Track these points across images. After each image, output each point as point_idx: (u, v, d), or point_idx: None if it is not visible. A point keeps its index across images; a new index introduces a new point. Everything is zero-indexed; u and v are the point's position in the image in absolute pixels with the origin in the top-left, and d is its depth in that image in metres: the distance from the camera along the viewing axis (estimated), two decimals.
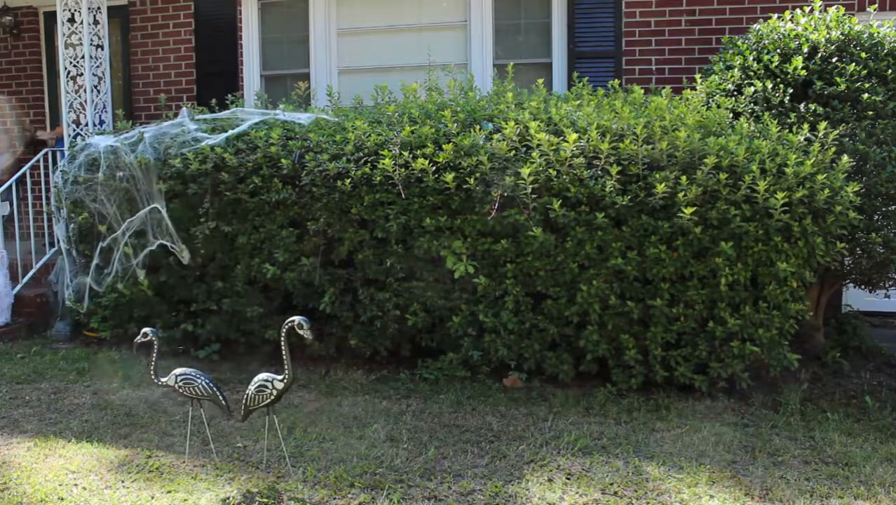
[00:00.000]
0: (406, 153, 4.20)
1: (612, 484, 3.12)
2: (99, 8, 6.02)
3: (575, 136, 4.00)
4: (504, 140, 4.14)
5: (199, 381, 3.34)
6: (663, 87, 5.05)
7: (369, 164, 4.30)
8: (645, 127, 4.08)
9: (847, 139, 4.23)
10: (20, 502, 3.03)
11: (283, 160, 4.46)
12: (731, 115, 4.48)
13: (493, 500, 3.00)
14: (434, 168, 4.15)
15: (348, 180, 4.26)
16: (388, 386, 4.39)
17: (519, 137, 4.18)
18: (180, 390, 3.36)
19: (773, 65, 4.46)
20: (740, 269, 3.95)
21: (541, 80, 5.11)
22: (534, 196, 3.99)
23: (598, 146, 3.99)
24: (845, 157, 3.97)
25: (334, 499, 3.02)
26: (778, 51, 4.52)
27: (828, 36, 4.44)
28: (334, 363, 4.74)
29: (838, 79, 4.28)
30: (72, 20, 5.88)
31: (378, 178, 4.24)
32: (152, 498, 3.05)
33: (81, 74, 5.92)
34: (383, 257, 4.38)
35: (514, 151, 4.14)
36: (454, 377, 4.39)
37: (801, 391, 4.19)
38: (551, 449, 3.48)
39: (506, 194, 4.02)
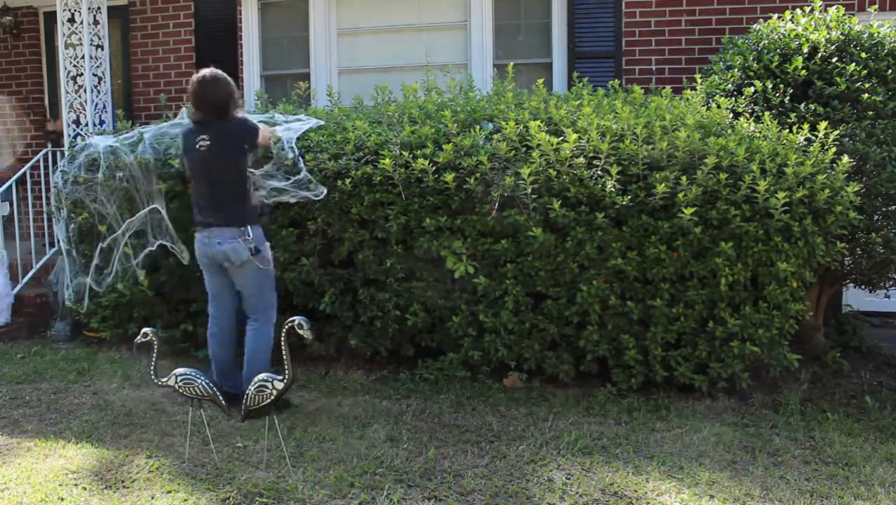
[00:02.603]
0: (406, 153, 4.21)
1: (612, 484, 3.12)
2: (99, 8, 6.02)
3: (575, 136, 4.00)
4: (504, 140, 4.14)
5: (199, 381, 3.34)
6: (663, 87, 5.04)
7: (369, 164, 4.30)
8: (645, 127, 4.08)
9: (847, 139, 4.23)
10: (20, 502, 3.04)
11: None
12: (731, 115, 4.48)
13: (493, 500, 3.00)
14: (434, 168, 4.15)
15: (348, 180, 4.26)
16: (388, 386, 4.39)
17: (519, 137, 4.18)
18: (180, 390, 3.36)
19: (774, 65, 4.46)
20: (740, 269, 3.95)
21: (541, 80, 5.11)
22: (534, 196, 3.99)
23: (598, 146, 3.99)
24: (845, 158, 3.97)
25: (334, 499, 3.02)
26: (778, 51, 4.52)
27: (828, 36, 4.44)
28: (334, 363, 4.74)
29: (838, 79, 4.28)
30: (72, 20, 5.88)
31: (378, 178, 4.24)
32: (152, 498, 3.05)
33: (81, 74, 5.92)
34: (383, 257, 4.38)
35: (514, 151, 4.14)
36: (454, 377, 4.39)
37: (801, 391, 4.19)
38: (551, 449, 3.48)
39: (506, 194, 4.02)
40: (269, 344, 3.99)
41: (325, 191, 4.24)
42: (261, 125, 4.17)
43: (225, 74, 4.00)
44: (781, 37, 4.58)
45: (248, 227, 3.88)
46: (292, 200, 4.32)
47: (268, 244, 4.01)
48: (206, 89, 3.88)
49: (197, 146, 3.88)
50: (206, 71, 3.98)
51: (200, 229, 3.98)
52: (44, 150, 6.45)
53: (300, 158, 4.38)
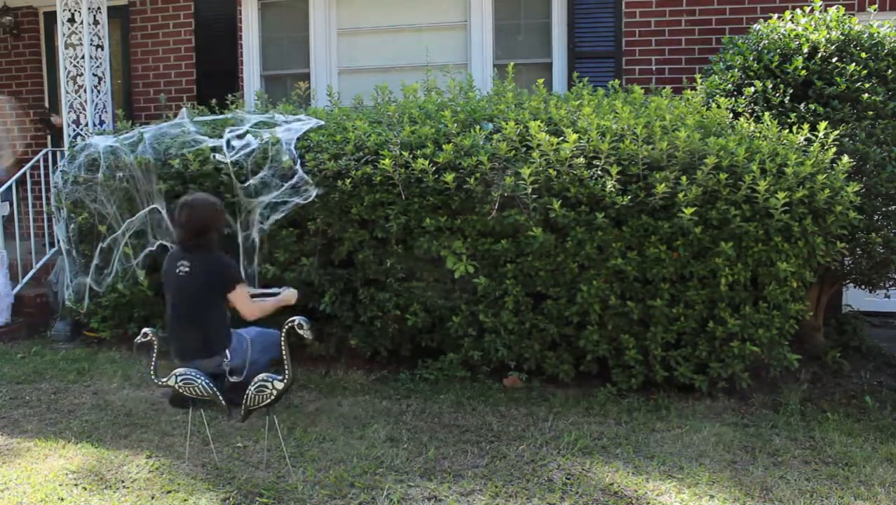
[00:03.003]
0: (406, 153, 4.21)
1: (612, 484, 3.12)
2: (99, 8, 6.02)
3: (575, 136, 4.00)
4: (504, 140, 4.14)
5: (199, 381, 3.34)
6: (663, 87, 5.04)
7: (369, 164, 4.30)
8: (645, 127, 4.08)
9: (847, 139, 4.23)
10: (20, 502, 3.04)
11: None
12: (731, 115, 4.48)
13: (493, 500, 3.00)
14: (434, 168, 4.15)
15: (348, 180, 4.26)
16: (388, 386, 4.39)
17: (519, 137, 4.18)
18: (180, 390, 3.36)
19: (774, 65, 4.46)
20: (740, 269, 3.95)
21: (541, 80, 5.11)
22: (534, 196, 3.99)
23: (598, 146, 3.99)
24: (845, 158, 3.97)
25: (334, 499, 3.02)
26: (778, 51, 4.52)
27: (828, 36, 4.44)
28: (334, 363, 4.74)
29: (838, 79, 4.28)
30: (72, 20, 5.89)
31: (378, 178, 4.24)
32: (152, 498, 3.05)
33: (81, 74, 5.92)
34: (383, 257, 4.38)
35: (514, 151, 4.14)
36: (454, 377, 4.39)
37: (801, 391, 4.19)
38: (551, 449, 3.48)
39: (506, 194, 4.02)
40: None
41: (314, 193, 4.22)
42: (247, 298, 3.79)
43: (209, 199, 3.81)
44: (781, 37, 4.58)
45: (226, 350, 3.68)
46: (280, 216, 4.31)
47: (243, 342, 3.78)
48: (182, 215, 3.69)
49: (177, 270, 3.69)
50: (187, 196, 3.80)
51: (177, 356, 3.72)
52: (44, 150, 6.45)
53: (298, 160, 4.39)
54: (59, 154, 6.27)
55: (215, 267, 3.68)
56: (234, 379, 3.70)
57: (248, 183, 4.41)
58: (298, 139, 4.56)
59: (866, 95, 4.26)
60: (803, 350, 4.50)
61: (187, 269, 3.66)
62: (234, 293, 3.67)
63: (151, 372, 3.40)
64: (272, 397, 3.23)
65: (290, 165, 4.35)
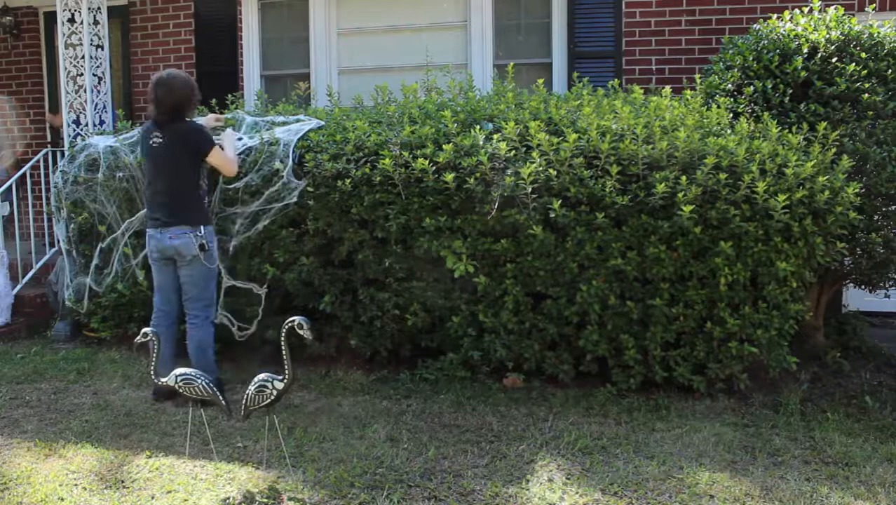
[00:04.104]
0: (406, 153, 4.21)
1: (612, 484, 3.13)
2: (99, 8, 6.02)
3: (575, 136, 4.00)
4: (504, 140, 4.14)
5: (199, 381, 3.34)
6: (663, 87, 5.04)
7: (369, 164, 4.30)
8: (645, 127, 4.08)
9: (847, 139, 4.24)
10: (20, 502, 3.04)
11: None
12: (730, 115, 4.48)
13: (493, 500, 3.00)
14: (434, 168, 4.15)
15: (348, 180, 4.26)
16: (388, 386, 4.39)
17: (519, 137, 4.18)
18: (180, 390, 3.36)
19: (773, 65, 4.46)
20: (740, 269, 3.95)
21: (541, 80, 5.11)
22: (534, 196, 3.99)
23: (598, 146, 3.99)
24: (845, 158, 3.97)
25: (334, 499, 3.02)
26: (778, 51, 4.52)
27: (827, 36, 4.44)
28: (334, 363, 4.75)
29: (838, 79, 4.28)
30: (72, 20, 5.89)
31: (378, 178, 4.24)
32: (152, 498, 3.05)
33: (81, 74, 5.92)
34: (383, 257, 4.38)
35: (514, 151, 4.14)
36: (454, 377, 4.39)
37: (801, 391, 4.19)
38: (551, 449, 3.48)
39: (506, 194, 4.02)
40: (211, 341, 4.14)
41: (300, 189, 4.31)
42: (218, 144, 4.18)
43: (184, 75, 4.18)
44: (781, 37, 4.58)
45: (201, 227, 4.05)
46: (266, 222, 4.38)
47: (215, 244, 4.16)
48: (160, 91, 4.02)
49: (150, 142, 4.06)
50: (163, 72, 4.14)
51: (153, 225, 4.10)
52: (44, 151, 6.45)
53: (291, 161, 4.38)
54: (59, 154, 6.27)
55: (187, 134, 4.05)
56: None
57: (243, 181, 4.42)
58: (298, 139, 4.55)
59: (866, 95, 4.26)
60: (803, 350, 4.50)
61: (160, 139, 4.02)
62: (210, 156, 4.05)
63: (151, 372, 3.41)
64: (272, 397, 3.23)
65: (280, 166, 4.38)
